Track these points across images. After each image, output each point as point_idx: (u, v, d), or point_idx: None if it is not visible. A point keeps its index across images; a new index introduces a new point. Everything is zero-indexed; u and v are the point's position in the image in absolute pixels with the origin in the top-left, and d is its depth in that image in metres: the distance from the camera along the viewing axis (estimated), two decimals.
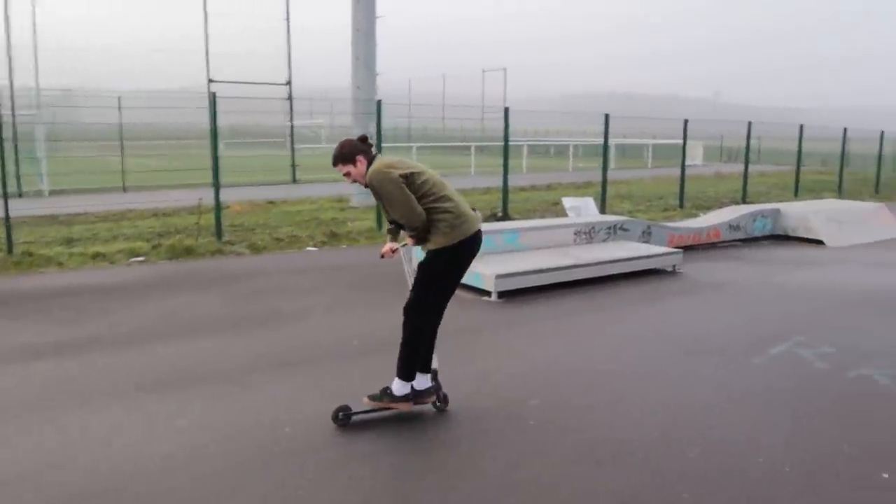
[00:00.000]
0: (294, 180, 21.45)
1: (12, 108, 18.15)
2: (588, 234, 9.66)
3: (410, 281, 4.54)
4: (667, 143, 34.28)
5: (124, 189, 18.35)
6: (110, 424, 4.38)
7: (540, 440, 4.25)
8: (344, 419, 4.40)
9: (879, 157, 23.53)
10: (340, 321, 6.82)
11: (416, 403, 4.54)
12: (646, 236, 10.30)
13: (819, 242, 12.00)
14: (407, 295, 4.48)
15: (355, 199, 15.07)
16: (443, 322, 4.52)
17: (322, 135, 46.79)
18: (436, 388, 4.63)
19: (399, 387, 4.46)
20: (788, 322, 7.00)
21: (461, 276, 4.50)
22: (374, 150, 4.46)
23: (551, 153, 40.99)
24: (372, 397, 4.46)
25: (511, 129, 13.13)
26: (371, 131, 12.38)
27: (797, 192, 20.05)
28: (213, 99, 10.63)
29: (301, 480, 3.74)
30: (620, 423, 4.52)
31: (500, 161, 13.26)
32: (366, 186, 4.38)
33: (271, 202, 15.36)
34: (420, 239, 4.34)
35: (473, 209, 4.51)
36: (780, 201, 15.53)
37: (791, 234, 12.51)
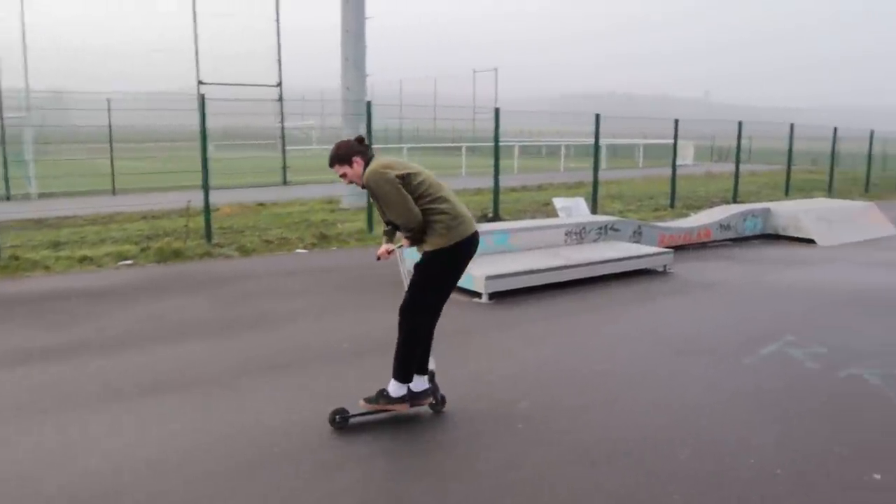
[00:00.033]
0: (285, 182, 21.38)
1: (0, 111, 18.00)
2: (579, 234, 9.64)
3: (406, 282, 4.52)
4: (658, 143, 34.35)
5: (114, 192, 18.25)
6: (102, 428, 4.33)
7: (534, 441, 4.23)
8: (341, 422, 4.37)
9: (869, 156, 23.64)
10: (331, 324, 6.77)
11: (412, 405, 4.52)
12: (636, 236, 10.29)
13: (809, 241, 12.03)
14: (401, 296, 4.46)
15: (346, 200, 15.02)
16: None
17: (313, 136, 46.76)
18: (433, 390, 4.61)
19: (395, 388, 4.43)
20: (779, 322, 6.99)
21: (458, 277, 4.48)
22: (370, 150, 4.44)
23: (543, 153, 40.99)
24: (368, 400, 4.43)
25: (502, 129, 13.12)
26: (361, 132, 12.34)
27: (788, 191, 20.11)
28: (202, 101, 10.57)
29: (296, 482, 3.71)
30: (615, 424, 4.51)
31: (491, 162, 13.24)
32: (363, 187, 4.37)
33: (261, 204, 15.29)
34: (416, 240, 4.33)
35: None
36: (771, 201, 15.57)
37: (781, 233, 12.53)
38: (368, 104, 12.10)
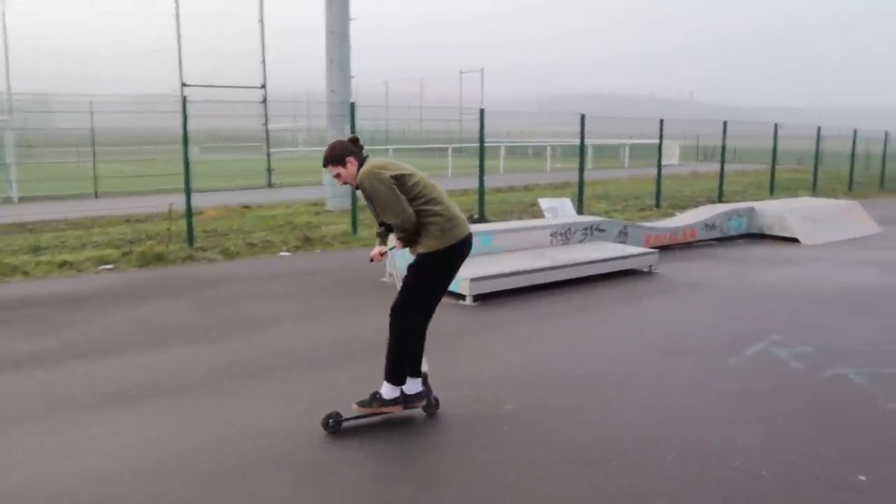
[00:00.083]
0: (270, 184, 21.26)
1: None
2: (564, 235, 9.61)
3: (399, 284, 4.48)
4: (644, 143, 34.46)
5: (96, 195, 18.07)
6: (82, 436, 4.25)
7: (526, 442, 4.22)
8: (335, 425, 4.33)
9: (853, 155, 23.79)
10: (315, 327, 6.71)
11: (405, 408, 4.48)
12: (622, 237, 10.28)
13: (794, 240, 12.06)
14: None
15: (331, 202, 14.94)
16: None
17: (300, 138, 46.60)
18: (426, 392, 4.58)
19: (388, 391, 4.40)
20: (764, 321, 6.99)
21: (451, 279, 4.47)
22: (364, 151, 4.41)
23: (529, 154, 41.04)
24: (361, 403, 4.39)
25: (488, 130, 13.08)
26: (346, 134, 12.27)
27: (772, 190, 20.20)
28: (183, 103, 10.47)
29: (285, 488, 3.66)
30: (607, 424, 4.50)
31: (478, 162, 13.20)
32: (356, 188, 4.33)
33: (246, 207, 15.17)
34: (409, 241, 4.30)
35: None
36: (756, 200, 15.63)
37: (766, 232, 12.57)
38: (352, 105, 12.04)
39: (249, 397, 4.92)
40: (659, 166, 17.04)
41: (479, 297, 7.61)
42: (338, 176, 4.36)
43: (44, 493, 3.59)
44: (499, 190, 19.53)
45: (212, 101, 20.91)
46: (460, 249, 4.34)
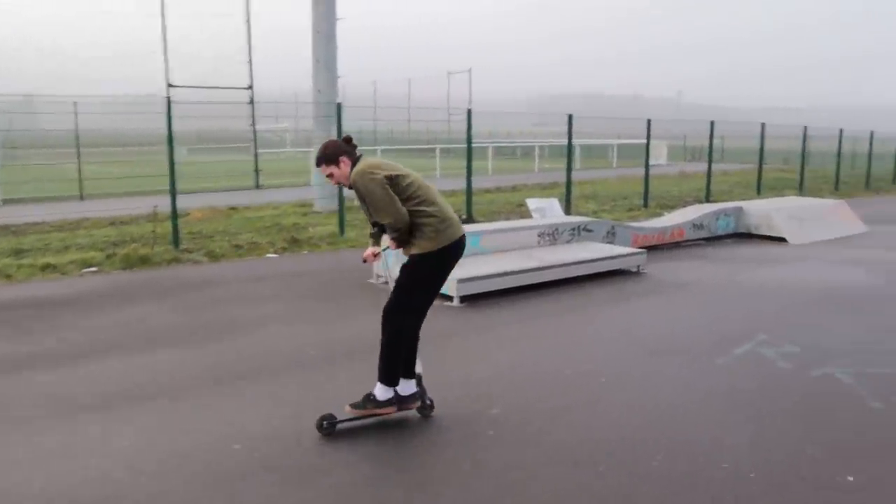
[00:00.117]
0: (257, 186, 21.14)
1: None
2: (552, 235, 9.59)
3: (392, 285, 4.45)
4: (631, 143, 34.53)
5: (81, 197, 17.90)
6: (64, 442, 4.19)
7: (516, 444, 4.20)
8: (329, 427, 4.30)
9: (839, 154, 23.91)
10: (301, 329, 6.64)
11: (400, 409, 4.45)
12: (610, 237, 10.27)
13: (781, 240, 12.09)
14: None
15: (318, 203, 14.86)
16: None
17: (287, 139, 46.44)
18: (420, 394, 4.55)
19: (382, 392, 4.37)
20: (752, 321, 6.99)
21: (444, 280, 4.44)
22: (358, 151, 4.38)
23: (518, 154, 41.04)
24: (354, 405, 4.36)
25: (476, 130, 13.05)
26: (333, 134, 12.21)
27: (759, 189, 20.27)
28: (168, 104, 10.38)
29: (281, 489, 3.64)
30: (595, 425, 4.49)
31: (466, 163, 13.16)
32: (349, 188, 4.30)
33: (233, 208, 15.06)
34: (402, 242, 4.26)
35: None
36: (743, 199, 15.67)
37: (754, 231, 12.60)
38: (339, 106, 11.97)
39: (236, 400, 4.86)
40: (647, 166, 17.06)
41: (466, 299, 7.57)
42: (330, 175, 4.33)
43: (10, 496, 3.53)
44: (487, 191, 19.49)
45: (199, 102, 20.79)
46: (454, 251, 4.32)
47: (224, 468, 3.86)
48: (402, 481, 3.79)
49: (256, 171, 21.52)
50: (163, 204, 10.71)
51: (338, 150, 4.31)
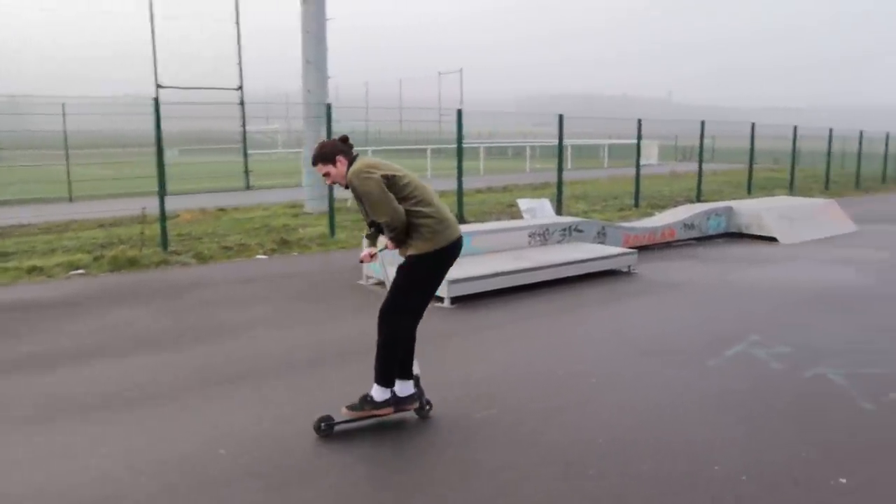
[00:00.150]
0: (247, 187, 21.05)
1: None
2: (542, 235, 9.55)
3: (389, 285, 4.43)
4: (623, 143, 34.56)
5: (70, 199, 17.76)
6: (49, 447, 4.12)
7: (508, 445, 4.18)
8: (326, 429, 4.26)
9: (829, 154, 23.99)
10: (291, 332, 6.58)
11: (397, 410, 4.42)
12: (601, 237, 10.24)
13: (772, 239, 12.10)
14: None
15: (309, 204, 14.77)
16: None
17: (278, 140, 46.28)
18: (418, 395, 4.52)
19: (379, 393, 4.34)
20: (744, 321, 6.97)
21: (441, 281, 4.43)
22: (355, 150, 4.35)
23: (509, 154, 41.03)
24: (351, 407, 4.32)
25: (468, 131, 13.00)
26: (322, 135, 12.14)
27: (750, 189, 20.31)
28: (156, 105, 10.29)
29: (259, 496, 3.57)
30: (587, 425, 4.46)
31: (456, 163, 13.11)
32: (346, 187, 4.28)
33: (222, 209, 14.98)
34: (400, 241, 4.24)
35: None
36: (734, 199, 15.68)
37: (745, 231, 12.60)
38: (328, 106, 11.91)
39: (224, 404, 4.81)
40: (637, 166, 17.06)
41: (457, 300, 7.53)
42: (327, 175, 4.30)
43: None
44: (478, 191, 19.46)
45: (190, 102, 20.68)
46: (451, 251, 4.31)
47: (214, 472, 3.80)
48: (399, 482, 3.76)
49: (247, 172, 21.43)
50: (151, 206, 10.62)
51: (334, 150, 4.29)
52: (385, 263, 4.77)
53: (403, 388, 4.43)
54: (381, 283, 8.19)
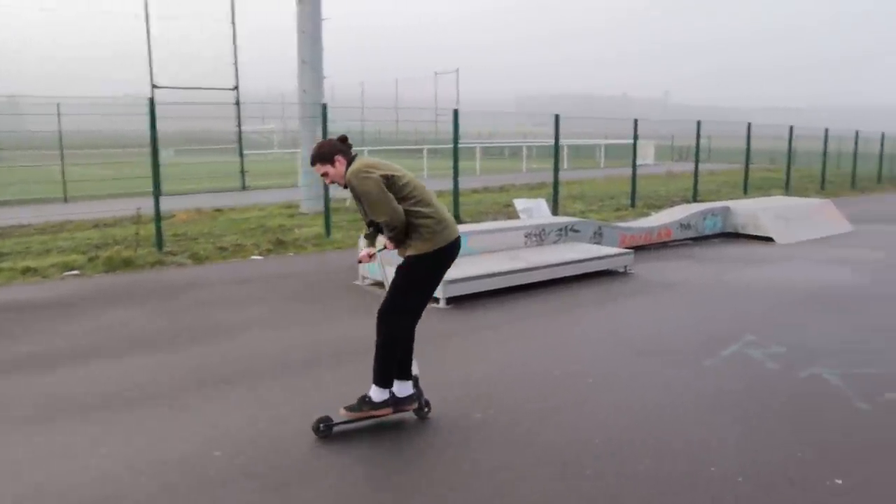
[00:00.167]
0: (243, 187, 21.01)
1: None
2: (539, 236, 9.55)
3: (388, 285, 4.42)
4: (619, 143, 34.57)
5: (65, 199, 17.71)
6: (44, 449, 4.09)
7: (505, 445, 4.18)
8: (325, 430, 4.25)
9: (824, 154, 24.03)
10: (286, 332, 6.56)
11: (396, 411, 4.41)
12: (597, 237, 10.24)
13: (768, 239, 12.11)
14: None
15: (305, 204, 14.75)
16: None
17: (274, 140, 46.23)
18: (417, 395, 4.51)
19: (377, 393, 4.33)
20: (739, 321, 6.97)
21: (439, 281, 4.44)
22: (353, 150, 4.34)
23: (506, 154, 41.05)
24: (349, 408, 4.31)
25: (464, 130, 12.99)
26: (318, 135, 12.12)
27: (746, 189, 20.33)
28: (151, 105, 10.26)
29: (255, 496, 3.56)
30: (583, 426, 4.46)
31: (452, 163, 13.10)
32: (344, 187, 4.27)
33: (218, 210, 14.94)
34: (399, 241, 4.23)
35: None
36: (730, 199, 15.69)
37: (741, 231, 12.61)
38: (324, 106, 11.89)
39: (221, 404, 4.79)
40: (634, 166, 17.06)
41: (453, 300, 7.52)
42: (325, 175, 4.29)
43: None
44: (475, 191, 19.45)
45: (187, 102, 20.63)
46: (450, 252, 4.31)
47: (206, 474, 3.79)
48: (398, 483, 3.76)
49: (242, 172, 21.39)
50: (147, 206, 10.59)
51: (333, 149, 4.28)
52: (384, 264, 4.77)
53: (402, 388, 4.42)
54: (377, 284, 8.18)
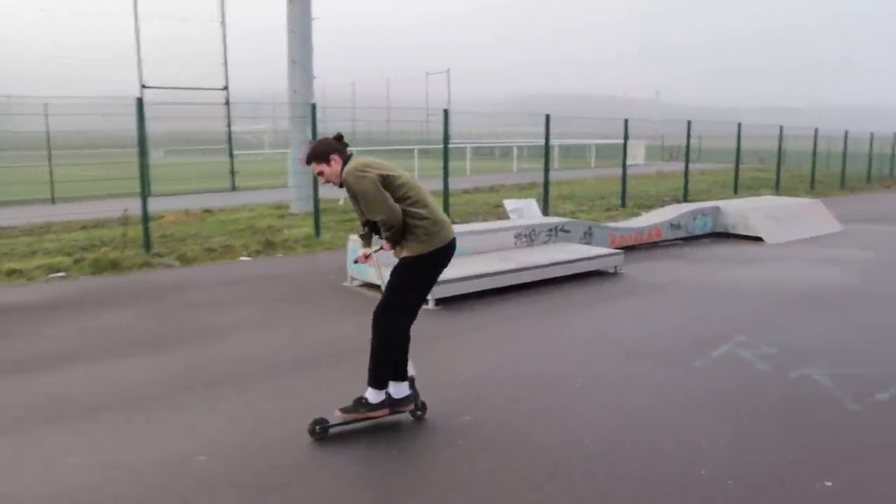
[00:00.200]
0: (233, 188, 20.90)
1: None
2: (529, 236, 9.52)
3: (384, 286, 4.39)
4: (610, 143, 34.60)
5: (53, 200, 17.57)
6: (22, 455, 4.02)
7: (494, 446, 4.15)
8: (321, 432, 4.22)
9: (814, 154, 24.11)
10: (275, 334, 6.50)
11: (392, 412, 4.39)
12: (587, 237, 10.22)
13: (758, 239, 12.12)
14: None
15: (295, 205, 14.68)
16: None
17: (265, 140, 46.04)
18: (413, 396, 4.48)
19: (374, 395, 4.30)
20: (730, 322, 6.95)
21: (435, 282, 4.42)
22: (349, 149, 4.31)
23: (496, 155, 41.02)
24: (345, 410, 4.28)
25: (455, 130, 12.95)
26: (308, 135, 12.06)
27: (736, 189, 20.37)
28: (139, 104, 10.18)
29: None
30: (573, 427, 4.44)
31: (442, 163, 13.05)
32: (339, 186, 4.24)
33: (208, 211, 14.85)
34: (395, 241, 4.20)
35: None
36: (720, 199, 15.71)
37: (731, 231, 12.62)
38: (313, 106, 11.82)
39: (210, 407, 4.74)
40: (624, 166, 17.05)
41: (441, 301, 7.47)
42: (320, 174, 4.25)
43: None
44: (465, 191, 19.40)
45: (176, 102, 20.50)
46: (446, 253, 4.29)
47: (194, 479, 3.73)
48: (395, 485, 3.73)
49: (232, 172, 21.28)
50: (135, 207, 10.50)
51: (328, 148, 4.24)
52: (380, 264, 4.73)
53: (399, 389, 4.40)
54: (366, 285, 8.13)
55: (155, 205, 10.29)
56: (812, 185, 23.53)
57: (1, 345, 6.10)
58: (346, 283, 8.39)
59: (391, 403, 4.36)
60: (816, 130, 24.03)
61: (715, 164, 32.24)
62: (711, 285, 8.69)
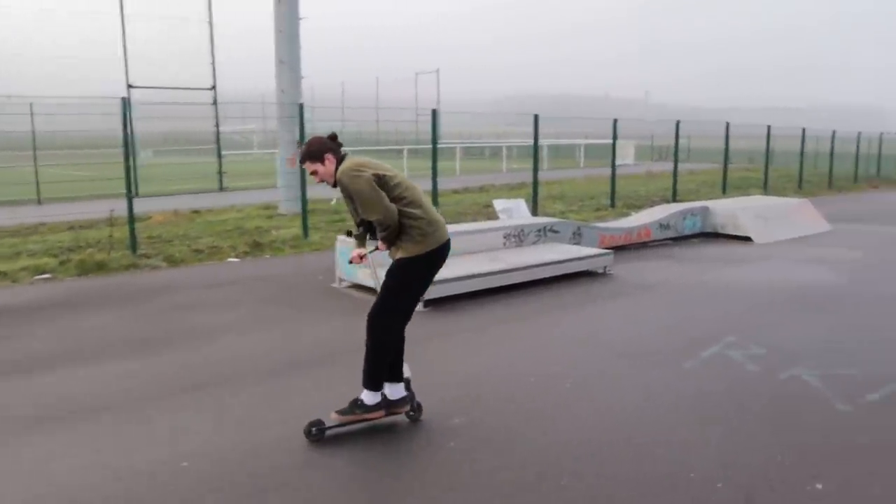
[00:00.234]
0: (221, 188, 20.80)
1: None
2: (518, 237, 9.49)
3: (378, 287, 4.36)
4: (599, 143, 34.66)
5: (39, 201, 17.43)
6: (4, 460, 3.96)
7: (485, 447, 4.12)
8: (318, 434, 4.18)
9: (802, 153, 24.21)
10: (263, 336, 6.44)
11: (388, 413, 4.36)
12: (576, 238, 10.20)
13: (747, 239, 12.14)
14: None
15: (283, 206, 14.60)
16: None
17: (254, 140, 45.85)
18: (409, 398, 4.45)
19: (369, 397, 4.27)
20: (719, 322, 6.95)
21: (430, 283, 4.40)
22: (344, 149, 4.28)
23: (486, 155, 41.00)
24: (341, 412, 4.25)
25: (444, 131, 12.92)
26: (296, 135, 12.00)
27: (725, 189, 20.42)
28: (123, 105, 10.09)
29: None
30: (563, 428, 4.42)
31: (431, 163, 13.01)
32: (334, 185, 4.21)
33: (196, 211, 14.75)
34: (391, 241, 4.17)
35: None
36: (709, 198, 15.74)
37: (720, 231, 12.64)
38: (301, 106, 11.77)
39: (203, 409, 4.69)
40: (613, 166, 17.06)
41: (430, 302, 7.43)
42: (315, 173, 4.22)
43: None
44: (455, 191, 19.39)
45: (164, 102, 20.39)
46: (441, 253, 4.26)
47: (182, 482, 3.68)
48: (391, 487, 3.72)
49: (220, 173, 21.18)
50: (122, 208, 10.41)
51: (323, 148, 4.21)
52: (375, 265, 4.69)
53: (394, 390, 4.37)
54: (354, 286, 8.08)
55: (143, 205, 10.22)
56: (800, 185, 23.64)
57: None
58: (335, 285, 8.34)
59: (387, 405, 4.34)
60: (804, 130, 24.14)
61: (705, 164, 32.36)
62: (701, 285, 8.69)
